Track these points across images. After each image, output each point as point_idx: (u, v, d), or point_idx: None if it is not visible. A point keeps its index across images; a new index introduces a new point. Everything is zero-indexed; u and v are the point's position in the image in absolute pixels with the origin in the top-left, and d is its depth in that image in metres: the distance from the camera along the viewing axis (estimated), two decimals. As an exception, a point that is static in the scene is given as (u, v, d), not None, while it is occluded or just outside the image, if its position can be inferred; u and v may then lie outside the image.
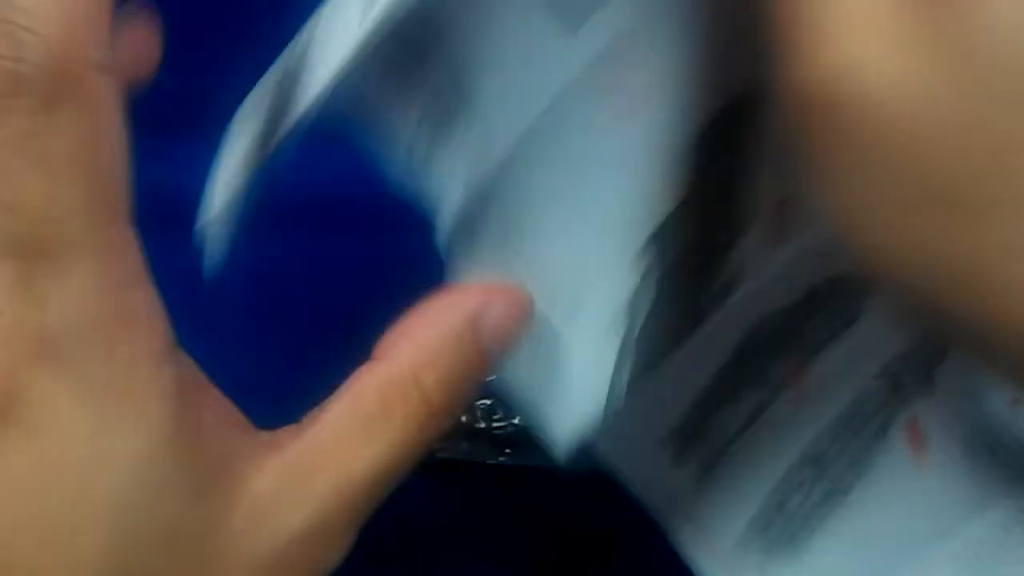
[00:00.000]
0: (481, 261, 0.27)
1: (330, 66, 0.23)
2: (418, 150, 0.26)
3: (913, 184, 0.21)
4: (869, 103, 0.21)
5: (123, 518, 0.22)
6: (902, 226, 0.22)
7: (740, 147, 0.28)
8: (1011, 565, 0.31)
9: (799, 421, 0.31)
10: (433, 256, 0.27)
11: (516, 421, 0.39)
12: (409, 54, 0.25)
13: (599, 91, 0.26)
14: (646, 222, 0.27)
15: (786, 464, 0.32)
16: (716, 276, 0.29)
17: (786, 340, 0.31)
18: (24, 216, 0.22)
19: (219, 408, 0.25)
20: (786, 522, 0.32)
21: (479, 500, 0.40)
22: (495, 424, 0.39)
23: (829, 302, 0.30)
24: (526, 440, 0.38)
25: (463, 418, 0.40)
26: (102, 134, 0.22)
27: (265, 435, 0.25)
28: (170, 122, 0.33)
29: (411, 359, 0.25)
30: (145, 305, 0.23)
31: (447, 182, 0.27)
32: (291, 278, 0.40)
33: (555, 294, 0.28)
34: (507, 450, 0.39)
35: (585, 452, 0.29)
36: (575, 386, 0.28)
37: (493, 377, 0.28)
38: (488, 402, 0.39)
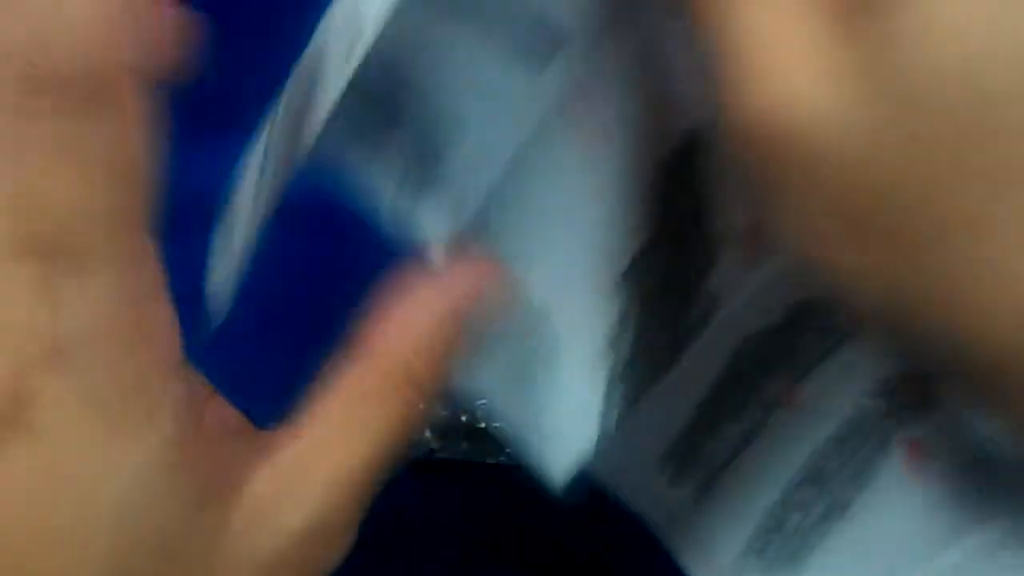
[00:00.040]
0: None
1: (312, 126, 0.24)
2: (402, 203, 0.27)
3: (857, 215, 0.22)
4: (801, 138, 0.22)
5: (126, 525, 0.22)
6: (855, 253, 0.22)
7: (703, 177, 0.28)
8: None
9: (796, 439, 0.31)
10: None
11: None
12: (384, 114, 0.26)
13: (567, 128, 0.27)
14: (620, 257, 0.28)
15: (785, 482, 0.32)
16: (695, 303, 0.29)
17: (777, 359, 0.31)
18: (50, 217, 0.21)
19: (222, 416, 0.25)
20: (786, 540, 0.32)
21: (479, 500, 0.40)
22: (495, 424, 0.39)
23: (820, 320, 0.30)
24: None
25: (463, 418, 0.40)
26: (133, 140, 0.22)
27: (264, 436, 0.25)
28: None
29: (401, 347, 0.25)
30: (159, 319, 0.23)
31: (431, 232, 0.27)
32: (294, 278, 0.40)
33: (540, 333, 0.28)
34: (507, 450, 0.39)
35: (581, 483, 0.29)
36: (566, 422, 0.28)
37: (483, 401, 0.29)
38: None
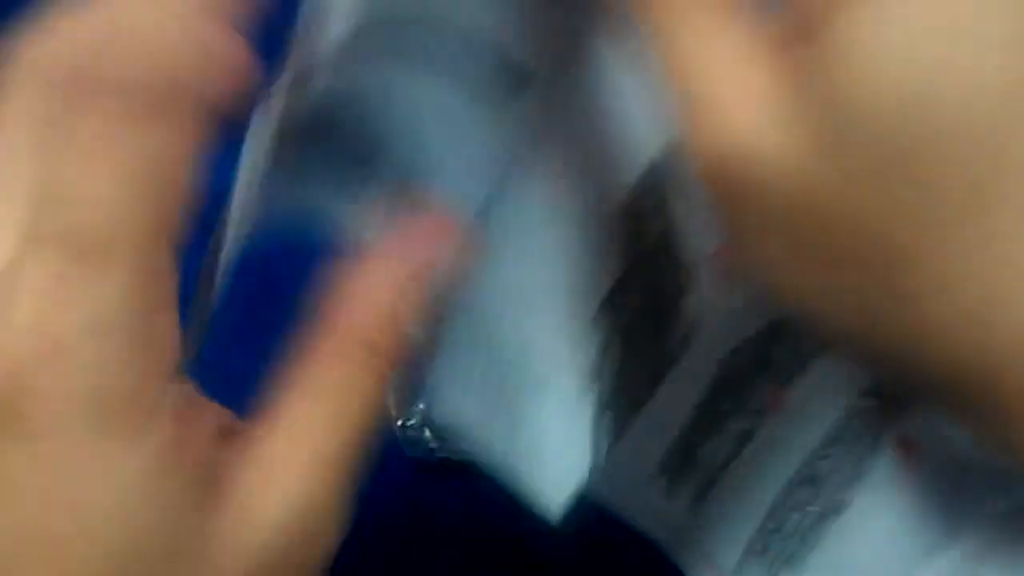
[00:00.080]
0: (451, 347, 0.28)
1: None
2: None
3: (806, 242, 0.23)
4: (750, 170, 0.23)
5: (122, 527, 0.22)
6: (809, 278, 0.23)
7: (670, 207, 0.29)
8: None
9: (789, 441, 0.32)
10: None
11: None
12: (357, 161, 0.26)
13: (530, 180, 0.27)
14: (594, 294, 0.28)
15: (780, 486, 0.32)
16: (673, 328, 0.30)
17: (760, 368, 0.31)
18: (75, 213, 0.21)
19: (213, 420, 0.25)
20: (785, 540, 0.32)
21: (479, 500, 0.39)
22: (483, 462, 0.39)
23: (796, 331, 0.31)
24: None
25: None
26: (176, 157, 0.22)
27: (244, 432, 0.25)
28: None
29: (363, 322, 0.25)
30: (165, 330, 0.23)
31: None
32: (289, 274, 0.39)
33: (524, 370, 0.28)
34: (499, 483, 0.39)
35: (577, 512, 0.29)
36: (556, 454, 0.29)
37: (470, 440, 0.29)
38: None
